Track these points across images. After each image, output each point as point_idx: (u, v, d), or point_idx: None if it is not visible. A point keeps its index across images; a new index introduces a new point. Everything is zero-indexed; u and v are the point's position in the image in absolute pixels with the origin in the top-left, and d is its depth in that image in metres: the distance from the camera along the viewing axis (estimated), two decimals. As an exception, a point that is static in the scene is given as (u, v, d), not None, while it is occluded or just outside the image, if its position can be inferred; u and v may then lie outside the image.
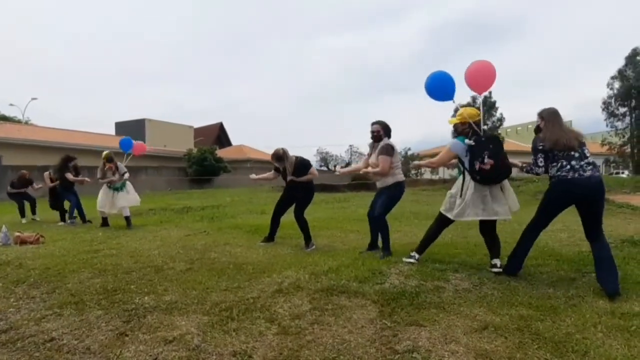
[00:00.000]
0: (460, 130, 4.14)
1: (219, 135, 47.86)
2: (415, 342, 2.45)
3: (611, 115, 38.84)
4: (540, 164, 3.83)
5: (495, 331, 2.57)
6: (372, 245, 5.06)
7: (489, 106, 40.56)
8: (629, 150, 38.67)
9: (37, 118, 49.58)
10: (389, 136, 4.86)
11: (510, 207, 4.14)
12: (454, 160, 4.31)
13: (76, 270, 4.20)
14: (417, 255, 4.24)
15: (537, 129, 4.09)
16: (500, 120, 41.25)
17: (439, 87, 4.34)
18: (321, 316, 2.88)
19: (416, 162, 5.17)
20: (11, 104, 49.58)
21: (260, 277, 3.83)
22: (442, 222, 4.22)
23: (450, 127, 4.39)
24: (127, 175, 8.16)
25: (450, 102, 4.44)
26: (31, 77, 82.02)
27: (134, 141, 8.80)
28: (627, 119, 38.18)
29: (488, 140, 3.97)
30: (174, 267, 4.34)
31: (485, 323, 2.69)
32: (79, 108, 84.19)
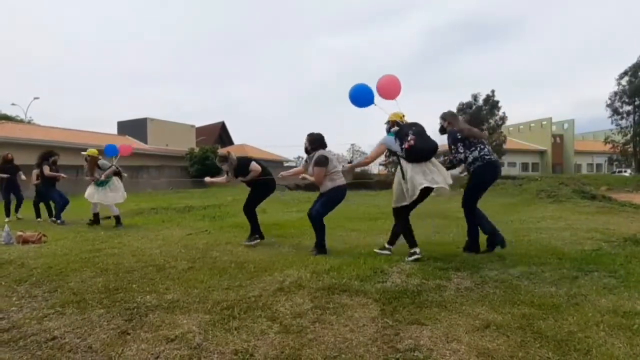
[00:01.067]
0: (388, 128, 4.80)
1: (220, 134, 47.87)
2: (417, 341, 2.44)
3: (615, 112, 38.71)
4: (461, 151, 4.62)
5: (497, 330, 2.57)
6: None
7: (492, 105, 40.51)
8: (631, 149, 38.51)
9: (39, 118, 49.73)
10: (323, 147, 5.23)
11: (445, 180, 4.49)
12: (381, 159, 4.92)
13: (78, 269, 4.21)
14: (416, 249, 4.40)
15: (442, 130, 4.86)
16: (503, 119, 41.18)
17: (360, 97, 5.08)
18: (323, 315, 2.88)
19: (348, 165, 5.54)
20: (13, 104, 49.75)
21: (262, 276, 3.83)
22: (402, 213, 4.61)
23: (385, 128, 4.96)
24: (113, 169, 8.31)
25: (373, 105, 5.09)
26: (32, 76, 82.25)
27: (118, 145, 8.96)
28: (632, 118, 38.01)
29: (410, 124, 4.59)
30: (175, 266, 4.34)
31: (487, 322, 2.69)
32: (79, 108, 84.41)
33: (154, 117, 37.52)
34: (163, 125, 37.47)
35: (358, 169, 5.42)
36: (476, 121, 40.22)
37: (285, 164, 40.87)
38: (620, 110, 38.48)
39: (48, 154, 9.14)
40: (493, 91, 40.68)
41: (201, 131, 43.78)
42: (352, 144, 53.39)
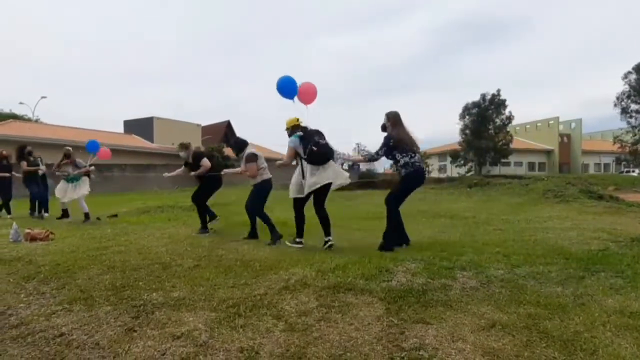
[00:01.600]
0: (290, 133, 5.42)
1: (226, 133, 47.92)
2: (422, 340, 2.44)
3: (624, 111, 38.39)
4: (381, 154, 5.22)
5: (503, 329, 2.56)
6: (252, 235, 6.11)
7: (498, 104, 40.33)
8: (641, 149, 38.10)
9: (46, 116, 50.05)
10: (246, 146, 6.19)
11: (339, 178, 5.29)
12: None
13: (85, 267, 4.24)
14: (301, 240, 5.37)
15: (384, 127, 5.22)
16: (509, 118, 41.00)
17: (286, 87, 5.59)
18: (328, 313, 2.89)
19: (278, 163, 5.86)
20: (21, 103, 50.01)
21: (267, 274, 3.84)
22: (299, 204, 5.42)
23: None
24: (92, 168, 9.14)
25: (291, 101, 5.63)
26: (39, 76, 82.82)
27: (101, 148, 9.39)
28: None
29: (314, 131, 5.24)
30: (181, 264, 4.37)
31: (493, 321, 2.68)
32: (86, 107, 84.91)
33: (160, 116, 37.68)
34: (169, 124, 37.60)
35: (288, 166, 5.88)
36: (482, 120, 40.13)
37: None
38: (629, 109, 38.13)
39: (22, 148, 9.63)
40: (499, 90, 40.52)
41: (207, 130, 43.87)
42: (358, 143, 53.26)
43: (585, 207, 10.14)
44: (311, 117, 5.62)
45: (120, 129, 37.64)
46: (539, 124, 52.15)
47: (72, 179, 8.81)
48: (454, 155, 43.53)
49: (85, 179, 8.99)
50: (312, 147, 5.04)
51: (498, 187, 15.80)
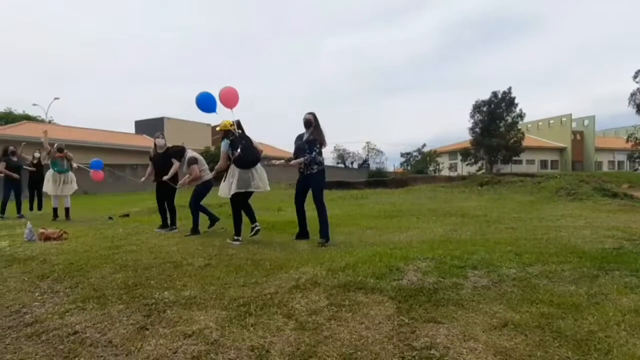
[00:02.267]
0: (223, 135, 5.76)
1: (236, 132, 48.11)
2: (433, 339, 2.43)
3: (639, 109, 37.84)
4: (315, 151, 5.62)
5: (515, 329, 2.54)
6: (196, 229, 6.68)
7: (508, 102, 39.96)
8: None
9: (59, 117, 50.71)
10: (185, 152, 6.89)
11: (262, 185, 5.76)
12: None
13: (98, 266, 4.29)
14: (240, 238, 5.62)
15: (308, 124, 5.75)
16: (521, 115, 40.63)
17: (205, 103, 6.02)
18: (338, 312, 2.89)
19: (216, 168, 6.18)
20: (34, 104, 50.74)
21: (278, 273, 3.85)
22: (235, 202, 5.76)
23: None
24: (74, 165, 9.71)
25: (214, 114, 6.14)
26: (53, 77, 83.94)
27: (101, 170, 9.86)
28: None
29: (242, 138, 5.65)
30: (192, 263, 4.40)
31: (505, 320, 2.66)
32: (97, 107, 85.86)
33: (171, 116, 37.97)
34: (179, 124, 37.87)
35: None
36: (492, 118, 39.79)
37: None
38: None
39: (4, 151, 9.83)
40: (510, 88, 40.16)
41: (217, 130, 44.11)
42: (368, 142, 53.18)
43: (598, 205, 10.01)
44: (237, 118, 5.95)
45: (132, 129, 38.00)
46: (551, 122, 51.52)
47: (61, 170, 9.36)
48: (465, 154, 43.25)
49: (74, 177, 9.63)
50: (238, 152, 5.49)
51: (509, 185, 15.65)
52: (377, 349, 2.34)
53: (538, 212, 8.85)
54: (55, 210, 9.45)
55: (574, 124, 50.15)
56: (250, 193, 5.82)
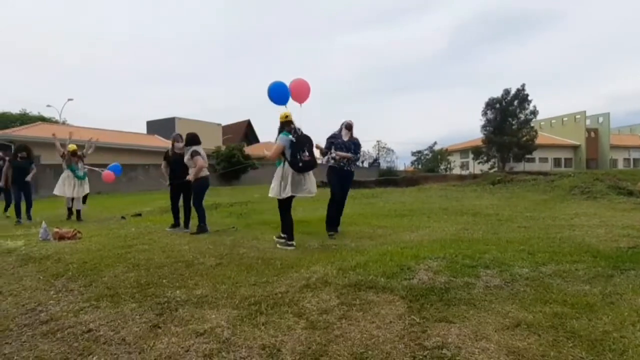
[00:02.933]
0: (279, 128, 5.38)
1: (246, 132, 48.35)
2: (445, 339, 2.41)
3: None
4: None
5: (528, 329, 2.51)
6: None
7: (522, 99, 39.51)
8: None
9: (73, 118, 51.39)
10: (196, 144, 6.75)
11: (311, 190, 5.45)
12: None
13: (111, 265, 4.34)
14: (293, 242, 5.26)
15: (351, 127, 6.31)
16: (534, 113, 40.15)
17: (278, 93, 5.67)
18: (349, 311, 2.88)
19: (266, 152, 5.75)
20: (49, 105, 51.50)
21: (288, 272, 3.86)
22: (283, 204, 5.42)
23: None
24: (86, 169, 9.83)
25: (283, 106, 5.69)
26: (67, 78, 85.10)
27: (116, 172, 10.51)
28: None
29: (305, 140, 5.29)
30: (204, 262, 4.43)
31: (518, 320, 2.63)
32: (110, 107, 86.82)
33: (182, 117, 38.22)
34: (190, 124, 38.05)
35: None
36: (505, 116, 39.38)
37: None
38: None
39: (17, 149, 9.71)
40: (523, 85, 39.68)
41: (227, 129, 44.34)
42: (378, 141, 53.02)
43: (614, 204, 9.84)
44: (305, 116, 5.85)
45: (144, 130, 38.36)
46: (565, 119, 50.80)
47: (79, 176, 9.46)
48: (477, 152, 42.87)
49: (87, 179, 9.75)
50: (301, 156, 5.17)
51: (522, 183, 15.48)
52: (388, 349, 2.34)
53: (551, 211, 8.73)
54: (70, 210, 9.57)
55: (588, 122, 49.40)
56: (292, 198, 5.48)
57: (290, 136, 5.20)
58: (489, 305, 2.92)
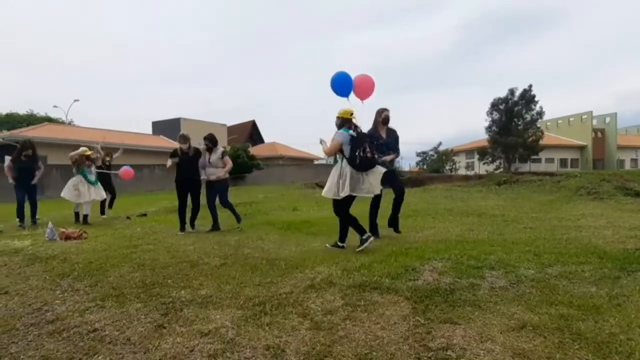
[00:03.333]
0: (338, 124, 5.01)
1: (251, 132, 48.41)
2: (450, 340, 2.40)
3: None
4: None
5: (534, 330, 2.49)
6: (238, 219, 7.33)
7: (528, 100, 39.29)
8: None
9: (79, 119, 51.74)
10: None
11: (374, 189, 4.99)
12: None
13: (117, 265, 4.36)
14: (369, 235, 4.86)
15: (388, 121, 5.85)
16: (540, 113, 39.91)
17: (341, 85, 5.34)
18: (353, 312, 2.88)
19: (323, 144, 5.23)
20: (55, 106, 51.84)
21: (293, 273, 3.86)
22: (341, 205, 4.98)
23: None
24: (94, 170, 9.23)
25: (345, 99, 5.39)
26: (72, 79, 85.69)
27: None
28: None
29: (365, 135, 4.98)
30: (208, 262, 4.44)
31: (523, 322, 2.61)
32: (116, 108, 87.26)
33: (187, 117, 38.36)
34: (196, 125, 38.17)
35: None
36: (510, 116, 39.18)
37: (316, 162, 40.95)
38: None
39: (23, 147, 8.61)
40: (530, 86, 39.44)
41: (232, 130, 44.43)
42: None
43: (621, 205, 9.76)
44: (365, 114, 5.50)
45: (149, 130, 38.53)
46: (571, 119, 50.46)
47: (91, 181, 8.88)
48: (482, 153, 42.66)
49: (99, 184, 9.16)
50: (361, 153, 4.77)
51: (528, 184, 15.38)
52: (393, 350, 2.33)
53: (557, 212, 8.68)
54: (77, 214, 8.91)
55: (594, 122, 49.05)
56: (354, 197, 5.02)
57: (351, 131, 4.87)
58: (494, 306, 2.90)
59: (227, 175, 7.36)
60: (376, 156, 4.98)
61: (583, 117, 49.11)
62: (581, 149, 48.86)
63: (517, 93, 39.52)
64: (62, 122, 38.68)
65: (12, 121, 36.66)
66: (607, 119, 49.47)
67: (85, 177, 8.79)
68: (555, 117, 50.87)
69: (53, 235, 6.17)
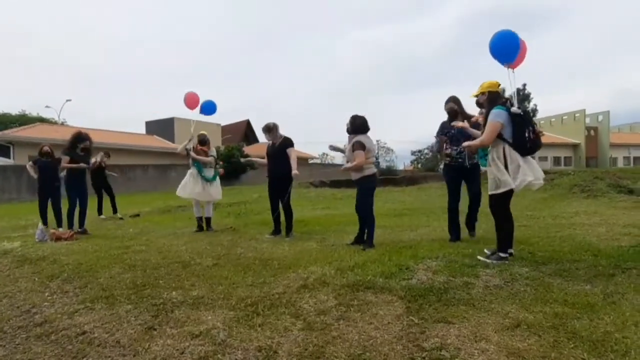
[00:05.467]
0: (488, 102, 4.13)
1: (246, 132, 48.31)
2: (444, 340, 2.38)
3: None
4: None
5: (529, 329, 2.47)
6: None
7: (522, 98, 39.53)
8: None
9: (72, 119, 51.12)
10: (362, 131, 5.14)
11: (541, 174, 4.12)
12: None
13: (107, 266, 4.30)
14: (510, 252, 4.07)
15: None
16: (534, 111, 40.19)
17: (506, 46, 4.23)
18: (347, 312, 2.85)
19: (466, 143, 4.38)
20: (47, 106, 51.26)
21: (286, 273, 3.83)
22: (503, 201, 4.11)
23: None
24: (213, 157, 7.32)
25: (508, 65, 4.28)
26: (64, 78, 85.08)
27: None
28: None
29: (528, 112, 4.15)
30: (200, 262, 4.39)
31: (518, 321, 2.59)
32: (109, 108, 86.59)
33: (181, 117, 38.18)
34: (189, 124, 38.04)
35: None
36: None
37: (310, 162, 40.92)
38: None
39: (76, 138, 7.24)
40: (524, 85, 39.68)
41: (227, 129, 44.27)
42: (378, 140, 52.96)
43: (614, 202, 9.80)
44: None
45: (142, 130, 38.31)
46: (564, 117, 50.72)
47: (207, 179, 7.08)
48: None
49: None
50: (530, 132, 3.90)
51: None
52: (386, 350, 2.30)
53: (551, 210, 8.70)
54: (200, 219, 7.19)
55: (587, 120, 49.34)
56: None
57: (513, 109, 3.94)
58: (489, 305, 2.88)
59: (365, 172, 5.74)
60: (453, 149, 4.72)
61: (576, 115, 49.41)
62: (574, 147, 49.16)
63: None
64: (55, 122, 38.37)
65: (4, 121, 36.32)
66: (600, 117, 49.80)
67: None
68: (548, 116, 51.15)
69: (43, 237, 6.09)
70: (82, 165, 7.11)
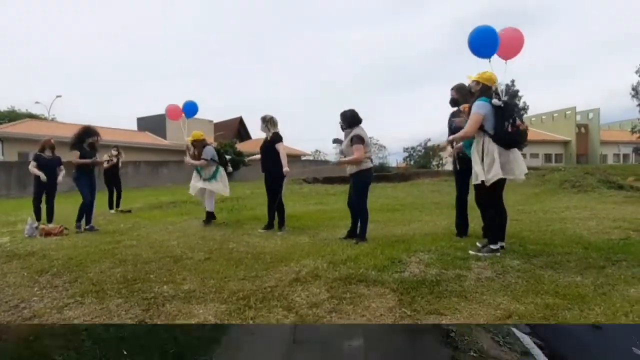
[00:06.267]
0: (480, 92, 4.08)
1: (239, 129, 48.10)
2: (436, 331, 2.38)
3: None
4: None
5: (520, 320, 2.48)
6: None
7: (512, 95, 39.75)
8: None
9: (62, 115, 50.51)
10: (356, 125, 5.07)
11: (522, 170, 4.08)
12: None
13: (97, 261, 4.26)
14: (502, 244, 4.08)
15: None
16: (524, 109, 40.43)
17: (482, 41, 4.26)
18: (339, 305, 2.84)
19: (450, 137, 4.51)
20: (37, 102, 50.58)
21: (278, 266, 3.81)
22: (490, 194, 4.09)
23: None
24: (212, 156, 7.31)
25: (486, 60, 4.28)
26: (54, 74, 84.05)
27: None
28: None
29: (513, 104, 3.93)
30: (192, 257, 4.36)
31: (509, 312, 2.60)
32: (100, 104, 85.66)
33: (173, 113, 37.92)
34: (181, 122, 37.80)
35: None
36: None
37: (303, 158, 40.88)
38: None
39: (84, 133, 6.78)
40: (513, 81, 39.90)
41: (219, 126, 44.04)
42: (370, 137, 52.85)
43: (604, 197, 9.91)
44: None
45: (134, 126, 37.99)
46: (555, 115, 51.05)
47: (206, 177, 7.27)
48: (467, 147, 43.07)
49: (223, 172, 7.61)
50: (509, 125, 3.83)
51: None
52: (379, 341, 2.30)
53: (542, 205, 8.77)
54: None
55: (578, 117, 49.72)
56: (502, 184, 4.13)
57: (494, 100, 3.92)
58: (480, 297, 2.89)
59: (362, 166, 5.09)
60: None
61: (567, 112, 49.79)
62: (565, 144, 49.55)
63: (499, 88, 39.98)
64: (44, 119, 37.91)
65: (-7, 117, 35.82)
66: (590, 115, 50.23)
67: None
68: (539, 113, 51.49)
69: (32, 232, 6.01)
70: (99, 161, 6.93)
